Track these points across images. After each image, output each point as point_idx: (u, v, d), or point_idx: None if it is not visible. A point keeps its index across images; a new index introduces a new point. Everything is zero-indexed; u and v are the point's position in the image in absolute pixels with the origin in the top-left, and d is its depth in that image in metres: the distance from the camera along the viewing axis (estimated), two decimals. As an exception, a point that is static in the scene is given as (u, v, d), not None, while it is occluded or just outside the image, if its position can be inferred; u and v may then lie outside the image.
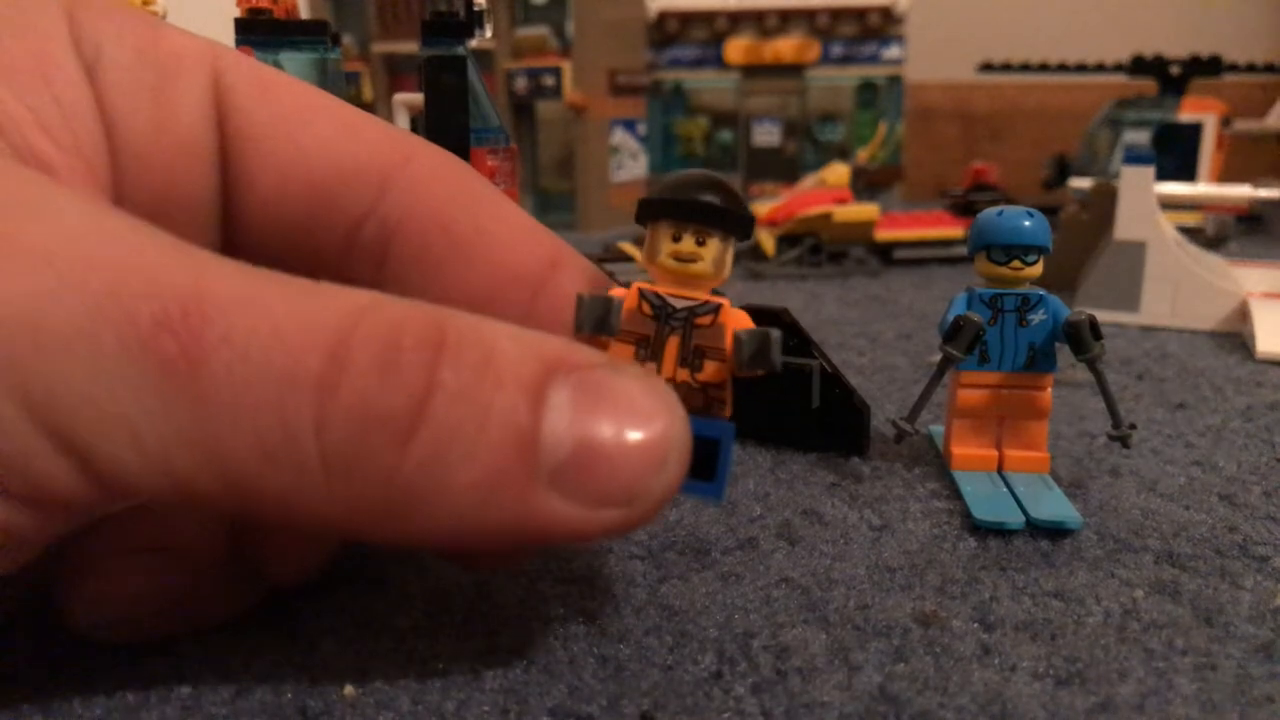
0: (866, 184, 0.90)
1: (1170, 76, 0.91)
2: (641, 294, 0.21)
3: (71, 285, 0.15)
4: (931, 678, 0.20)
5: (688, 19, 1.05)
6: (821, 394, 0.33)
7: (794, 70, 1.04)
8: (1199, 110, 0.87)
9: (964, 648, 0.21)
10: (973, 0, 1.22)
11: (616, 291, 0.21)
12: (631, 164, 0.99)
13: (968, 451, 0.30)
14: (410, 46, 0.90)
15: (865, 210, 0.71)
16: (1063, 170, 0.92)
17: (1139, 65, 0.92)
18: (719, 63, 1.05)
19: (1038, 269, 0.29)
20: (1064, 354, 0.29)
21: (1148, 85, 0.92)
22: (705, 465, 0.20)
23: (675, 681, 0.20)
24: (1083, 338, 0.28)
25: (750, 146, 1.07)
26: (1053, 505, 0.27)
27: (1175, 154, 0.86)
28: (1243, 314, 0.50)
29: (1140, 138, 0.87)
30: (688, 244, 0.21)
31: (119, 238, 0.16)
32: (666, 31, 1.05)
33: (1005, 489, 0.29)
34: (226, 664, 0.20)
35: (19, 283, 0.15)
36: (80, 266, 0.15)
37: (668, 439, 0.17)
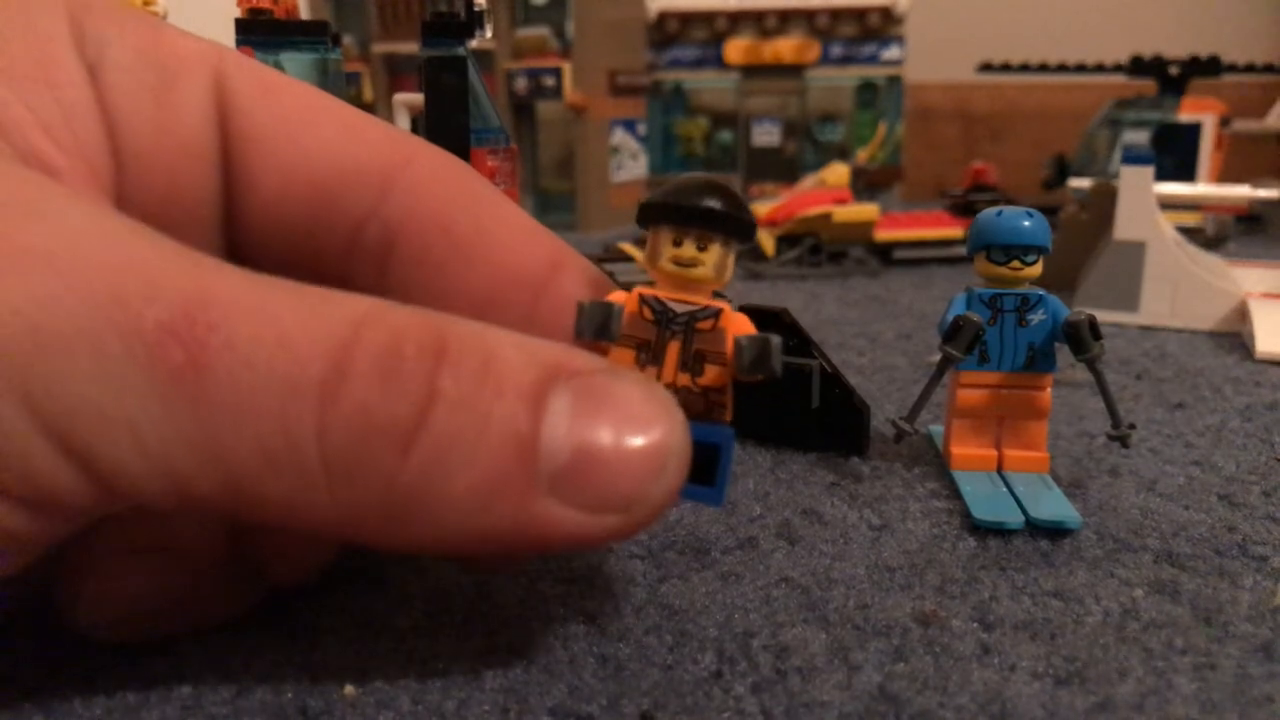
0: (866, 184, 0.90)
1: (1169, 77, 0.91)
2: (642, 299, 0.21)
3: (74, 287, 0.15)
4: (931, 677, 0.20)
5: (688, 19, 1.04)
6: (821, 394, 0.33)
7: (794, 70, 1.04)
8: (1198, 110, 0.87)
9: (963, 647, 0.21)
10: (973, 0, 1.22)
11: (617, 296, 0.21)
12: (631, 164, 0.99)
13: (967, 451, 0.30)
14: (410, 47, 0.90)
15: (865, 210, 0.71)
16: (1062, 170, 0.92)
17: (1138, 65, 0.92)
18: (719, 63, 1.05)
19: (1037, 269, 0.29)
20: (1063, 354, 0.29)
21: (1147, 85, 0.92)
22: (705, 470, 0.20)
23: (675, 681, 0.20)
24: (1082, 338, 0.28)
25: (750, 147, 1.07)
26: (1052, 505, 0.27)
27: (1174, 154, 0.86)
28: (1242, 314, 0.50)
29: (1139, 138, 0.87)
30: (689, 249, 0.21)
31: (121, 240, 0.16)
32: (666, 32, 1.05)
33: (1005, 489, 0.29)
34: (227, 664, 0.20)
35: (21, 284, 0.15)
36: (83, 268, 0.15)
37: (667, 445, 0.17)
